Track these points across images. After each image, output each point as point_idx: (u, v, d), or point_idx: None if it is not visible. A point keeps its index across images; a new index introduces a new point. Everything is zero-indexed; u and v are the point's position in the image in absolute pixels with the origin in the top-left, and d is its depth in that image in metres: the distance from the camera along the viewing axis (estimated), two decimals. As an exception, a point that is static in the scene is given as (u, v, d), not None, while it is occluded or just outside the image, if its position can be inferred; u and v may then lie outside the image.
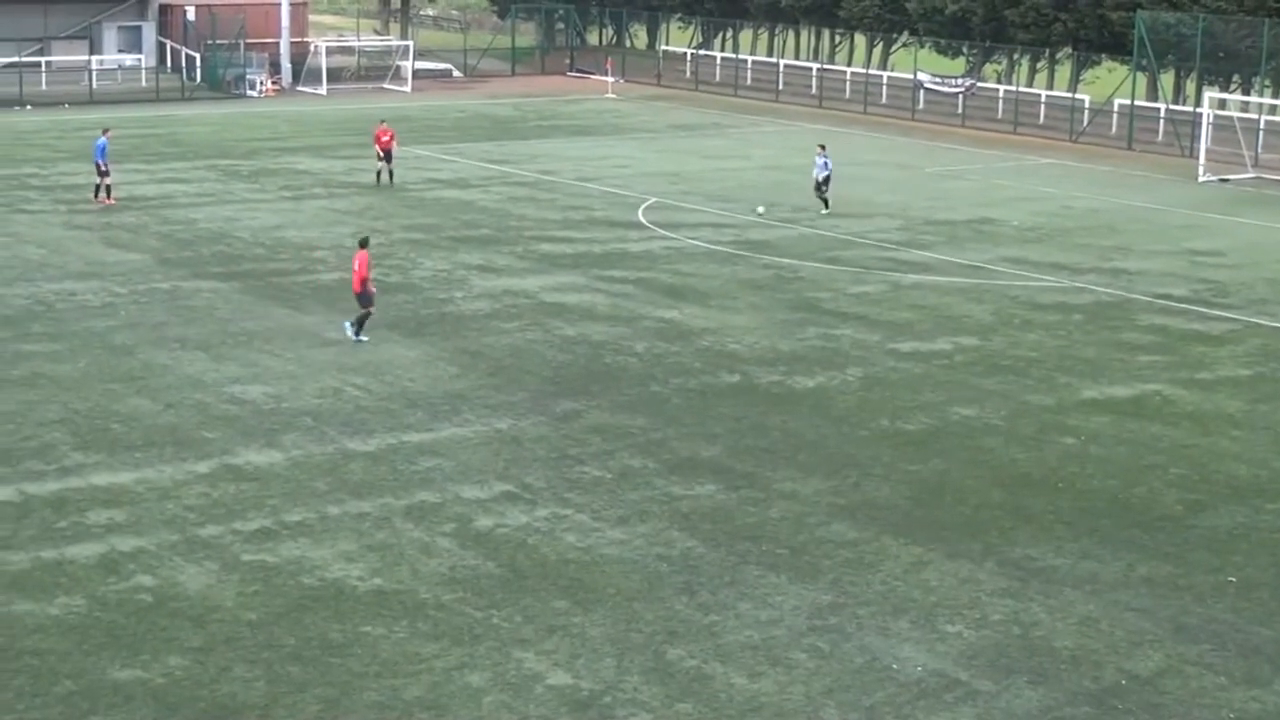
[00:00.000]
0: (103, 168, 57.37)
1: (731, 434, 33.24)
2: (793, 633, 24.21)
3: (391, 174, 62.28)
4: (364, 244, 40.23)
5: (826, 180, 58.30)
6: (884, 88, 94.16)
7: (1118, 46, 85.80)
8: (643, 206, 58.86)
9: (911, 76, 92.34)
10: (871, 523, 28.61)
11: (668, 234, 53.35)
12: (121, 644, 23.36)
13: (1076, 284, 47.74)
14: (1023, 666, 23.33)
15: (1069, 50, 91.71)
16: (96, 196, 57.51)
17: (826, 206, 58.13)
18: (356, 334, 39.55)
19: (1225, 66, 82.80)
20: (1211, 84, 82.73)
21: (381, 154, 62.23)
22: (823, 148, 59.28)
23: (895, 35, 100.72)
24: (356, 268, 39.75)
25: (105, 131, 58.55)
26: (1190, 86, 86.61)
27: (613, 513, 28.81)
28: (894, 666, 23.23)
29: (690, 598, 25.33)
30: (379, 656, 23.15)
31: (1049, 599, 25.60)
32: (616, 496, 29.60)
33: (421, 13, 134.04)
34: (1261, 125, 75.88)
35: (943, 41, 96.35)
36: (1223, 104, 75.76)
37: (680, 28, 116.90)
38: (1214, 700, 22.53)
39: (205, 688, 22.14)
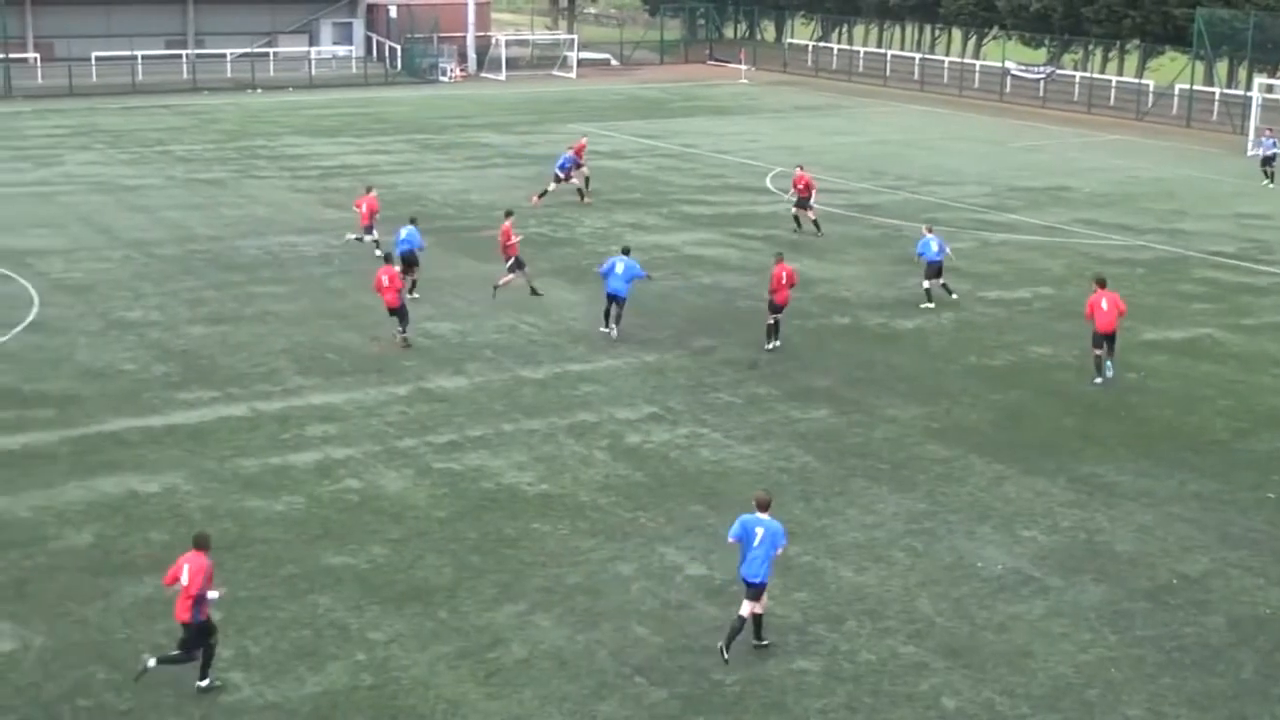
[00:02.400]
0: (560, 177, 51.85)
1: (842, 367, 33.11)
2: (892, 534, 24.16)
3: (377, 243, 42.29)
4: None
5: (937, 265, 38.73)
6: (977, 74, 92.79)
7: (1179, 38, 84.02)
8: (770, 175, 58.52)
9: (1000, 65, 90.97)
10: (960, 443, 28.43)
11: (790, 198, 53.02)
12: (333, 535, 23.76)
13: (1139, 242, 46.95)
14: (1088, 566, 23.14)
15: (1137, 42, 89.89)
16: (540, 196, 51.57)
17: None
18: None
19: (1273, 55, 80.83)
20: (1261, 71, 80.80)
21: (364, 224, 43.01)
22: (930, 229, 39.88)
23: (986, 29, 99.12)
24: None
25: (581, 136, 52.12)
26: (1242, 73, 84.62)
27: (741, 432, 28.83)
28: (978, 565, 23.13)
29: (806, 504, 25.34)
30: (545, 549, 23.37)
31: (1111, 510, 25.34)
32: (744, 419, 29.60)
33: (585, 10, 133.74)
34: (1304, 107, 74.15)
35: (1027, 34, 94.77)
36: (1270, 88, 73.94)
37: (803, 23, 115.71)
38: (1252, 598, 22.24)
39: (402, 572, 22.48)
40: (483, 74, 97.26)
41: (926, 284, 38.47)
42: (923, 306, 38.24)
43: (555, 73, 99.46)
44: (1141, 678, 19.88)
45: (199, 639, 19.02)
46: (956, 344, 35.33)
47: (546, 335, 35.32)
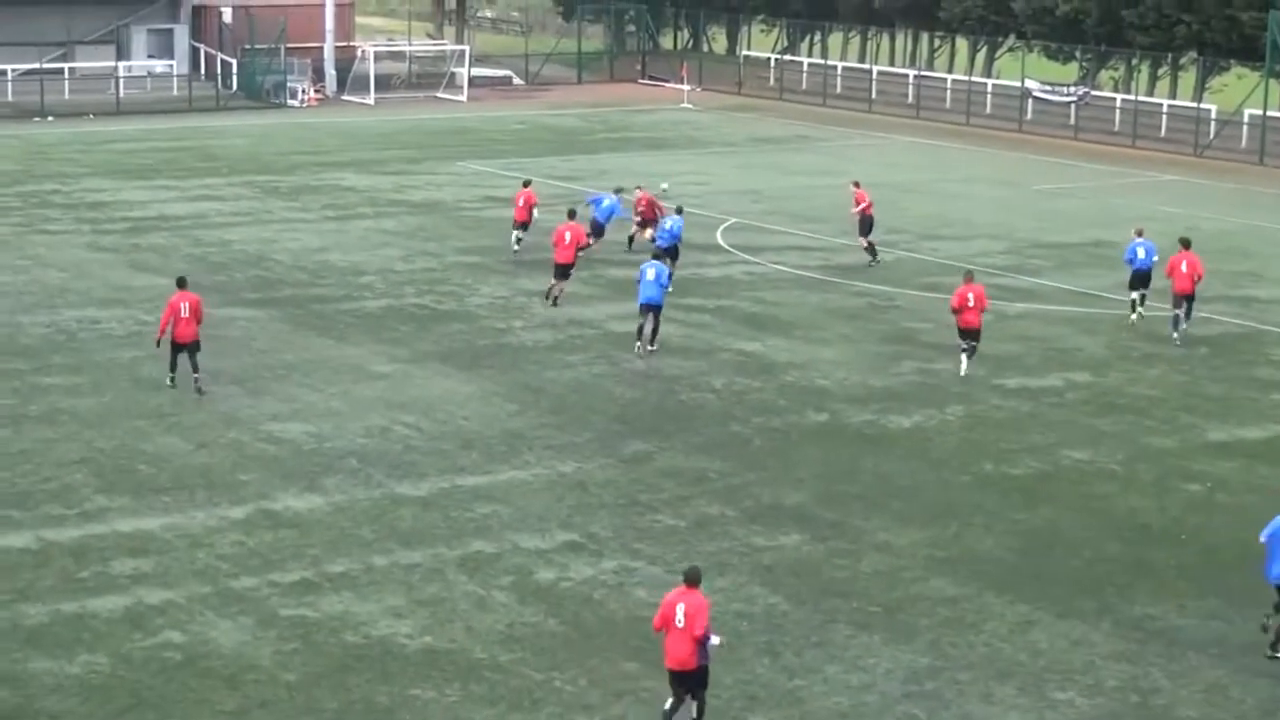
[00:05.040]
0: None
1: (819, 479, 33.16)
2: (886, 699, 24.13)
3: (519, 240, 53.15)
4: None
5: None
6: (988, 96, 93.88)
7: (1248, 51, 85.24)
8: (722, 228, 58.84)
9: (1019, 84, 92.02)
10: (974, 578, 28.48)
11: (749, 258, 53.36)
12: (148, 706, 23.49)
13: (1202, 314, 47.37)
14: (1142, 739, 23.17)
15: (1193, 55, 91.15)
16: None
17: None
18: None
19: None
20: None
21: None
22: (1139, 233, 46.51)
23: (1001, 39, 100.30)
24: None
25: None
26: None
27: (687, 565, 28.73)
28: (999, 737, 23.11)
29: (773, 660, 25.28)
30: (429, 722, 23.20)
31: (1171, 663, 25.42)
32: (692, 547, 29.56)
33: (479, 14, 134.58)
34: None
35: (1053, 45, 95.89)
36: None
37: (763, 31, 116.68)
38: (1356, 778, 22.32)
39: (239, 755, 22.22)
40: (345, 96, 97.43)
41: (1133, 295, 45.55)
42: (1131, 320, 45.37)
43: (440, 94, 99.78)
44: None
45: (705, 680, 22.25)
46: (967, 447, 35.49)
47: (430, 439, 35.24)
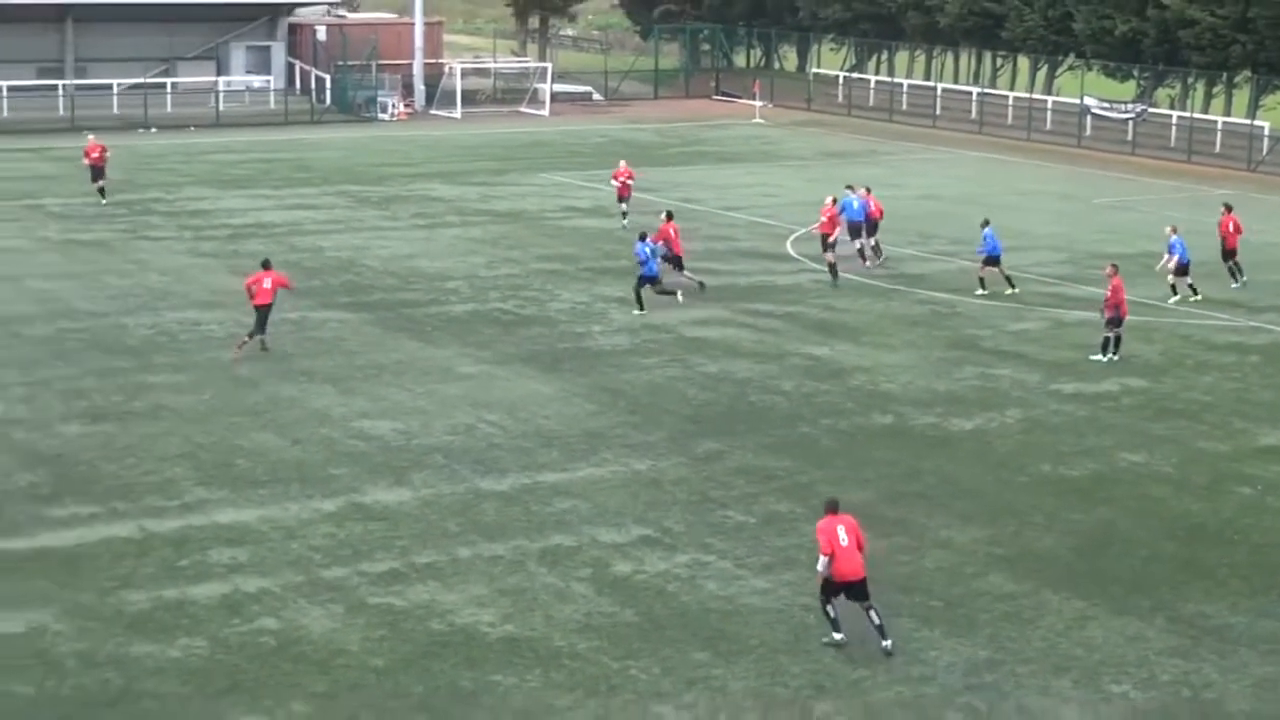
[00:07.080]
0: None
1: (884, 478, 33.10)
2: (946, 691, 24.06)
3: (625, 214, 59.99)
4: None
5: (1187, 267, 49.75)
6: (1048, 113, 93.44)
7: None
8: (791, 238, 58.77)
9: (1078, 101, 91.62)
10: (1032, 575, 28.37)
11: (818, 266, 53.24)
12: (243, 689, 23.63)
13: (1253, 323, 47.11)
14: (1194, 731, 23.05)
15: (1248, 74, 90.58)
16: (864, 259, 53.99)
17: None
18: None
19: None
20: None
21: None
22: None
23: (1061, 57, 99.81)
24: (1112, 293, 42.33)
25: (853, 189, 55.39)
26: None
27: (757, 560, 28.76)
28: (1055, 728, 23.03)
29: (838, 651, 25.24)
30: (510, 707, 23.25)
31: (1223, 659, 25.26)
32: (761, 543, 29.55)
33: (561, 33, 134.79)
34: None
35: (1112, 64, 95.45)
36: None
37: (832, 49, 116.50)
38: (1401, 771, 22.15)
39: (330, 736, 22.33)
40: (433, 110, 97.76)
41: (1188, 281, 49.07)
42: (1171, 303, 48.64)
43: (523, 109, 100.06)
44: None
45: (867, 588, 24.95)
46: (1026, 450, 35.36)
47: (512, 437, 35.32)
